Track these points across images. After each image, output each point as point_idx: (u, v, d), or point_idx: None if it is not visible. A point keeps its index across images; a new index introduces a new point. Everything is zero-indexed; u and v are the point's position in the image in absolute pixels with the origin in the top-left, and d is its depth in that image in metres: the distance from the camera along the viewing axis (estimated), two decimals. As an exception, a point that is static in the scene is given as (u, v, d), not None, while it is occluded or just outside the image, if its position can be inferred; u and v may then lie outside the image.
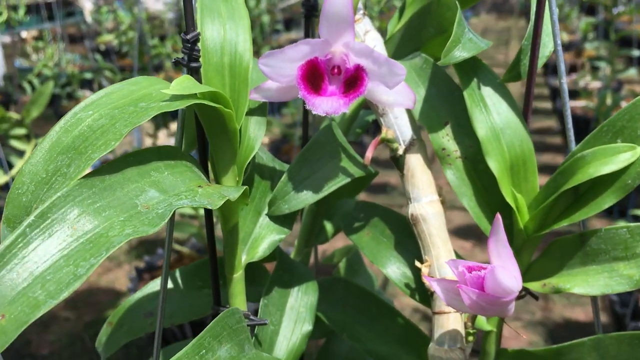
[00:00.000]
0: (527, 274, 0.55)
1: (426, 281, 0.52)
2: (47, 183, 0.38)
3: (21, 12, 4.56)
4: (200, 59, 0.48)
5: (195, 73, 0.48)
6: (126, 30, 3.45)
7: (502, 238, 0.45)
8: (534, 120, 3.55)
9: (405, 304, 1.83)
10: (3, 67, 3.61)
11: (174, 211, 0.39)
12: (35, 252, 0.34)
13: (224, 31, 0.49)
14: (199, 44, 0.47)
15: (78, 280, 0.33)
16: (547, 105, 3.87)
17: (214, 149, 0.48)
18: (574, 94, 2.99)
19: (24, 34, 5.73)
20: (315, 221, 0.72)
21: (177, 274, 0.62)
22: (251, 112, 0.52)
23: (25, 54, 4.38)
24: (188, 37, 0.46)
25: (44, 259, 0.34)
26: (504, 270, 0.44)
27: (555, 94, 3.55)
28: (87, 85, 3.64)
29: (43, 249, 0.34)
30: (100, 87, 3.40)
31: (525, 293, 0.56)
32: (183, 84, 0.42)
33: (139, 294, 0.61)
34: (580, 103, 2.93)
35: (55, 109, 3.32)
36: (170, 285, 0.61)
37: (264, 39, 3.63)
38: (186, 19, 0.47)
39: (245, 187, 0.45)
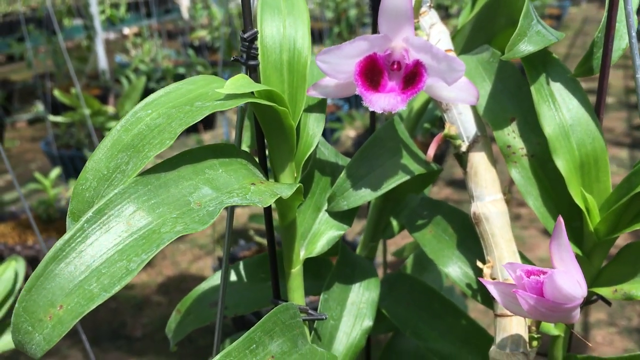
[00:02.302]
0: (598, 278, 0.52)
1: (483, 283, 0.50)
2: (107, 179, 0.40)
3: (122, 9, 4.81)
4: (259, 57, 0.48)
5: (253, 71, 0.49)
6: (218, 26, 3.56)
7: (564, 242, 0.43)
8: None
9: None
10: (105, 62, 3.82)
11: (234, 208, 0.40)
12: (92, 247, 0.36)
13: (283, 27, 0.50)
14: (257, 42, 0.48)
15: (130, 274, 0.35)
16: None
17: (271, 147, 0.49)
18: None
19: (126, 31, 6.05)
20: (381, 216, 0.71)
21: (241, 266, 0.64)
22: (310, 109, 0.53)
23: (125, 50, 4.62)
24: (245, 35, 0.47)
25: (100, 253, 0.35)
26: (565, 276, 0.42)
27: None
28: (180, 79, 3.78)
29: (99, 243, 0.36)
30: (192, 80, 3.52)
31: (596, 298, 0.53)
32: (237, 82, 0.43)
33: (204, 285, 0.63)
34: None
35: (151, 102, 3.47)
36: (234, 277, 0.63)
37: (350, 32, 3.63)
38: (244, 17, 0.48)
39: (299, 184, 0.46)
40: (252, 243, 1.88)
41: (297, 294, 0.54)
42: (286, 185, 0.45)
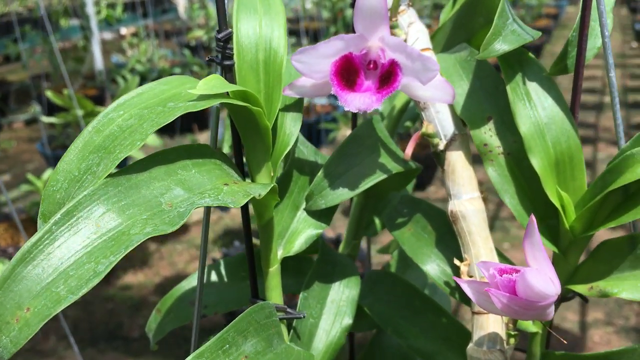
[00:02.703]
0: (574, 276, 0.52)
1: (457, 281, 0.50)
2: (78, 181, 0.40)
3: (119, 9, 4.81)
4: (234, 56, 0.49)
5: (228, 71, 0.49)
6: (214, 25, 3.56)
7: (536, 240, 0.43)
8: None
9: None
10: (101, 63, 3.82)
11: (210, 208, 0.40)
12: (60, 249, 0.36)
13: (259, 27, 0.50)
14: (232, 42, 0.48)
15: (97, 276, 0.35)
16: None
17: (247, 147, 0.49)
18: None
19: (124, 31, 6.04)
20: (363, 214, 0.71)
21: (222, 265, 0.64)
22: (287, 109, 0.53)
23: (121, 50, 4.62)
24: (220, 35, 0.47)
25: (68, 255, 0.36)
26: (537, 274, 0.42)
27: None
28: (176, 79, 3.78)
29: (67, 245, 0.36)
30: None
31: (573, 295, 0.54)
32: (210, 83, 0.43)
33: (184, 284, 0.63)
34: None
35: (147, 102, 3.48)
36: (215, 276, 0.63)
37: (347, 32, 3.63)
38: (218, 17, 0.48)
39: (273, 184, 0.46)
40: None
41: (274, 292, 0.54)
42: (260, 185, 0.45)
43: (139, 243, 0.36)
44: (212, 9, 4.28)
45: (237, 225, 2.47)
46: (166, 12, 6.69)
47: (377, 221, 0.72)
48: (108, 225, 0.37)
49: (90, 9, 3.78)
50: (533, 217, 0.43)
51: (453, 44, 0.64)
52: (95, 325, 1.94)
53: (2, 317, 0.34)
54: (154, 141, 2.11)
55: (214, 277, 0.63)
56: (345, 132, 3.17)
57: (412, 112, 0.73)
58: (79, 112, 2.00)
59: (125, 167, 0.40)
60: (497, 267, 0.44)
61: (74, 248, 0.36)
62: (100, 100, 3.32)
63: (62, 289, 0.35)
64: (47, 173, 1.97)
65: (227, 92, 0.46)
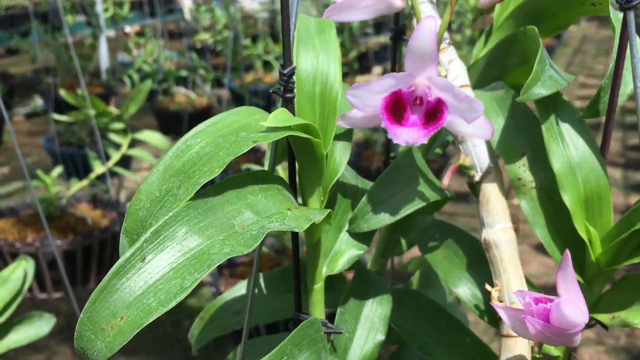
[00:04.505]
0: (597, 305, 0.56)
1: (494, 307, 0.54)
2: (160, 201, 0.44)
3: (126, 8, 4.84)
4: (295, 90, 0.53)
5: (289, 103, 0.53)
6: (221, 29, 3.59)
7: (569, 272, 0.47)
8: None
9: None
10: (107, 61, 3.85)
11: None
12: (150, 264, 0.40)
13: (316, 62, 0.54)
14: (294, 77, 0.52)
15: (184, 291, 0.39)
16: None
17: (302, 172, 0.53)
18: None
19: (128, 29, 6.07)
20: (392, 235, 0.75)
21: (262, 278, 0.68)
22: (338, 137, 0.57)
23: (127, 49, 4.65)
24: (285, 71, 0.51)
25: (157, 271, 0.39)
26: (570, 304, 0.46)
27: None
28: (182, 82, 3.82)
29: (156, 262, 0.40)
30: (195, 84, 3.57)
31: (595, 323, 0.58)
32: (279, 116, 0.47)
33: (227, 294, 0.67)
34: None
35: (152, 104, 3.52)
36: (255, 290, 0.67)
37: (352, 42, 3.68)
38: (284, 54, 0.52)
39: (329, 210, 0.50)
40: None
41: (318, 308, 0.58)
42: (318, 210, 0.49)
43: (220, 262, 0.40)
44: (218, 12, 4.32)
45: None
46: (172, 12, 6.72)
47: (403, 242, 0.76)
48: (190, 245, 0.41)
49: (99, 7, 3.81)
50: (568, 253, 0.47)
51: (486, 80, 0.69)
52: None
53: (98, 325, 0.38)
54: (163, 143, 2.14)
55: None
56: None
57: (441, 140, 0.77)
58: (91, 112, 2.03)
59: (203, 191, 0.44)
60: (532, 296, 0.48)
61: (162, 264, 0.40)
62: (105, 98, 3.34)
63: (152, 300, 0.38)
64: (57, 170, 1.99)
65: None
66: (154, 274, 0.39)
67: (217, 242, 0.42)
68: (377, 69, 4.47)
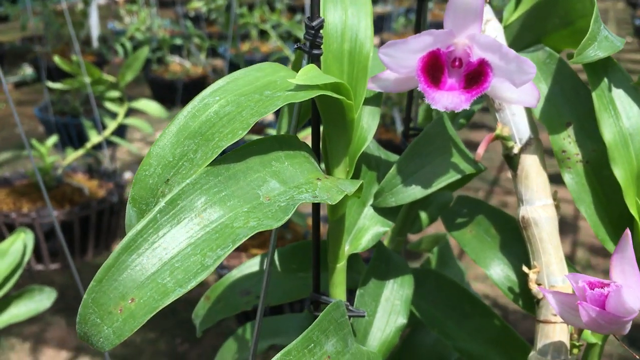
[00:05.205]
0: (645, 290, 0.51)
1: (535, 289, 0.50)
2: (174, 167, 0.38)
3: (116, -26, 4.69)
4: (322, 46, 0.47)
5: (316, 60, 0.47)
6: (216, -3, 3.49)
7: (629, 255, 0.42)
8: None
9: (481, 293, 1.79)
10: (98, 29, 3.74)
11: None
12: (164, 239, 0.34)
13: (345, 17, 0.48)
14: (322, 31, 0.47)
15: (205, 270, 0.33)
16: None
17: (329, 139, 0.48)
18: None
19: (118, -4, 5.91)
20: (411, 211, 0.70)
21: (275, 255, 0.62)
22: (366, 102, 0.51)
23: (118, 17, 4.52)
24: (313, 23, 0.45)
25: (173, 246, 0.34)
26: (631, 291, 0.41)
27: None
28: (177, 50, 3.73)
29: (172, 235, 0.34)
30: (189, 53, 3.47)
31: (638, 309, 0.53)
32: (309, 73, 0.41)
33: (236, 272, 0.62)
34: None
35: (146, 73, 3.43)
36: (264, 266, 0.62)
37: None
38: (312, 3, 0.46)
39: (361, 181, 0.45)
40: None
41: (339, 289, 0.53)
42: (349, 182, 0.44)
43: (246, 238, 0.35)
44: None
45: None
46: (164, -20, 6.55)
47: (423, 218, 0.71)
48: (210, 217, 0.36)
49: (91, -27, 3.69)
50: (628, 233, 0.42)
51: (520, 44, 0.63)
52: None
53: (105, 307, 0.33)
54: (160, 112, 2.06)
55: (263, 267, 0.62)
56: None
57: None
58: (87, 80, 1.95)
59: (224, 156, 0.39)
60: (586, 280, 0.43)
61: (178, 239, 0.34)
62: (98, 67, 3.25)
63: (168, 280, 0.33)
64: (52, 140, 1.92)
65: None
66: (169, 249, 0.34)
67: (241, 214, 0.36)
68: (374, 40, 4.38)
